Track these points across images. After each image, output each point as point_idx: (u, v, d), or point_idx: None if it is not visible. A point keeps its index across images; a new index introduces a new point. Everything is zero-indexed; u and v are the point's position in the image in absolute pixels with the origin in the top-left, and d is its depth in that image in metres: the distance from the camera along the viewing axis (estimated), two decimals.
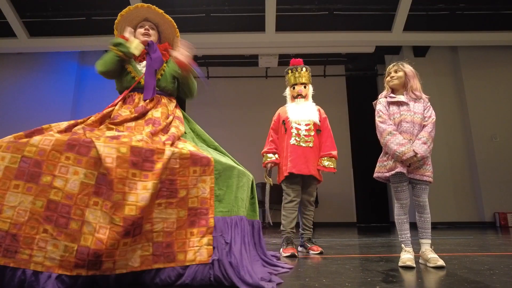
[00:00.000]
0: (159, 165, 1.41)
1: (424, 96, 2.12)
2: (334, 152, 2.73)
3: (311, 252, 2.60)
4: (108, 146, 1.38)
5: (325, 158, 2.71)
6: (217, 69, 8.42)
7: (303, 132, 2.71)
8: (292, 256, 2.41)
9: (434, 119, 2.05)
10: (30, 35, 6.47)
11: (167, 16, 2.15)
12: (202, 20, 6.29)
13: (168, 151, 1.45)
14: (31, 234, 1.28)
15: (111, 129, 1.64)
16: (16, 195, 1.31)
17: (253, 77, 8.43)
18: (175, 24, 2.18)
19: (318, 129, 2.78)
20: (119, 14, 2.10)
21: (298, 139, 2.70)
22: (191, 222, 1.45)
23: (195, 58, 8.31)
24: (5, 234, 1.26)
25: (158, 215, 1.40)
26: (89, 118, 1.72)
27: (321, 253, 2.56)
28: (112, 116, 1.78)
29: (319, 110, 2.84)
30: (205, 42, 6.46)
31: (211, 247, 1.42)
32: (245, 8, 6.14)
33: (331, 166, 2.69)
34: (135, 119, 1.79)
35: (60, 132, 1.53)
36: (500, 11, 6.28)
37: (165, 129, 1.76)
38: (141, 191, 1.35)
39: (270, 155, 2.79)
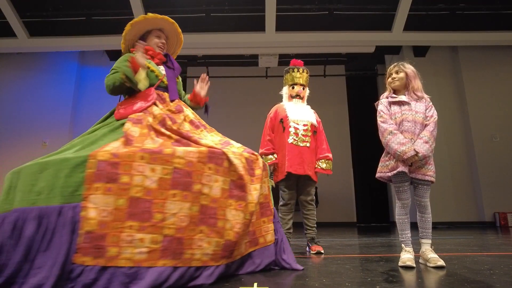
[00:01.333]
0: (258, 171, 1.83)
1: (426, 96, 2.11)
2: (330, 155, 2.81)
3: (311, 252, 2.62)
4: (236, 158, 1.73)
5: (323, 160, 2.77)
6: (217, 69, 8.40)
7: (301, 132, 2.73)
8: None
9: (436, 119, 2.05)
10: (30, 35, 6.45)
11: (181, 35, 2.27)
12: (202, 20, 6.28)
13: (260, 159, 1.88)
14: (191, 235, 1.50)
15: (180, 134, 1.80)
16: (175, 203, 1.49)
17: (253, 77, 8.42)
18: (183, 40, 2.31)
19: (314, 130, 2.81)
20: (142, 16, 2.09)
21: (296, 139, 2.71)
22: (261, 213, 1.84)
23: (195, 58, 8.22)
24: (172, 238, 1.45)
25: None
26: (145, 122, 1.74)
27: (318, 253, 2.57)
28: (162, 118, 1.81)
29: (315, 113, 2.89)
30: (205, 42, 6.46)
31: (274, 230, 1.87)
32: (245, 8, 6.14)
33: (328, 169, 2.77)
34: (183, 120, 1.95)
35: (158, 135, 1.73)
36: (500, 11, 6.27)
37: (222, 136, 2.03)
38: (253, 192, 1.74)
39: (270, 156, 2.78)
